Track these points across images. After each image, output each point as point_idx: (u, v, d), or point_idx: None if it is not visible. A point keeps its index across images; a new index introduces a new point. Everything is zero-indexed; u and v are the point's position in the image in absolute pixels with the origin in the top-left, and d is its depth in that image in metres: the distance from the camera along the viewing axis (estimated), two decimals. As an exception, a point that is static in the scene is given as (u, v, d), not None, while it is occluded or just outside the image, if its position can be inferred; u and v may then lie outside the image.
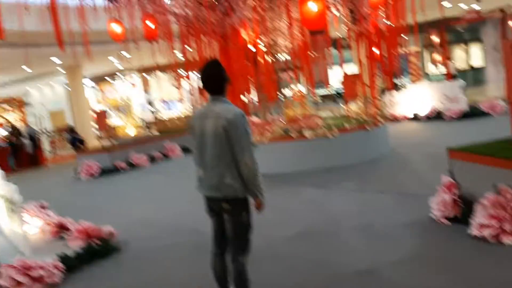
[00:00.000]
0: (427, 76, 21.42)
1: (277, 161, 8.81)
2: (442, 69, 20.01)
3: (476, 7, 17.01)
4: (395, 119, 13.56)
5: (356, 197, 6.40)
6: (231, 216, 3.24)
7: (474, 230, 4.25)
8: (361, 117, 9.20)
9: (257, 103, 10.55)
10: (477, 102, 13.20)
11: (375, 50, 9.21)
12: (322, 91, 22.14)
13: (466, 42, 23.91)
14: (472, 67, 23.88)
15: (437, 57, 17.72)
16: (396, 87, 13.81)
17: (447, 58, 20.85)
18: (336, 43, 10.49)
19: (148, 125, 15.47)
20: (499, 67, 25.52)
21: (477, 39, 24.52)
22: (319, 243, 4.85)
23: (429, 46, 20.97)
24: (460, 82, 13.47)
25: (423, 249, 4.32)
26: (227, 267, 3.41)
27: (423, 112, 13.46)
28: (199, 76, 3.25)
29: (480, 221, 4.22)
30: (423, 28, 16.16)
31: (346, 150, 8.62)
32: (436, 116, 13.05)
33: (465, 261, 3.90)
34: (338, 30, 10.38)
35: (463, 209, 4.63)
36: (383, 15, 8.93)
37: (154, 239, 5.79)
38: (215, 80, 3.22)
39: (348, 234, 5.00)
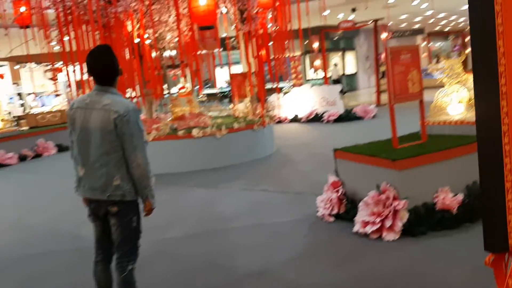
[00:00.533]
0: (307, 80, 22.52)
1: (163, 160, 8.46)
2: (321, 74, 21.17)
3: (351, 17, 18.27)
4: (279, 120, 13.96)
5: (245, 197, 6.38)
6: (119, 221, 2.93)
7: (357, 227, 4.44)
8: (249, 117, 9.26)
9: (141, 100, 10.08)
10: (350, 106, 14.15)
11: (263, 51, 9.36)
12: (208, 90, 22.13)
13: (342, 50, 25.63)
14: (345, 74, 25.67)
15: (317, 62, 18.66)
16: (281, 90, 14.24)
17: (335, 64, 22.12)
18: (224, 43, 10.46)
19: (17, 120, 14.00)
20: (369, 75, 27.83)
21: (352, 48, 26.44)
22: (209, 245, 4.72)
23: (310, 52, 22.05)
24: (339, 86, 14.32)
25: (312, 247, 4.41)
26: (112, 277, 3.12)
27: (303, 114, 14.05)
28: (87, 62, 2.87)
29: (363, 218, 4.42)
30: (305, 34, 16.90)
31: (234, 150, 8.61)
32: (315, 118, 13.71)
33: (351, 257, 4.05)
34: (227, 29, 10.36)
35: (348, 207, 4.83)
36: (270, 17, 9.12)
37: (26, 246, 5.16)
38: (105, 67, 2.87)
39: (239, 234, 4.94)
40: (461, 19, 27.82)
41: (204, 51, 9.92)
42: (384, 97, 17.45)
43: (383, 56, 16.90)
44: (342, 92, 22.72)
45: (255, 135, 8.87)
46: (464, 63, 5.68)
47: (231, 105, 10.78)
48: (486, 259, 1.37)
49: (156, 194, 3.05)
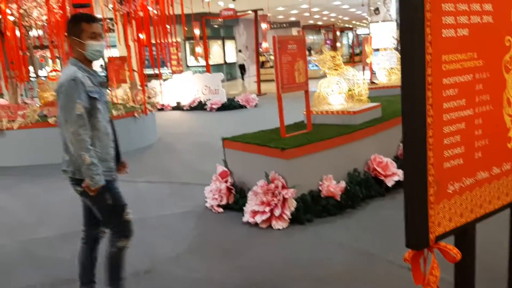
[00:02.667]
0: (188, 67, 22.18)
1: (31, 150, 7.66)
2: (203, 62, 20.97)
3: (231, 6, 18.33)
4: (160, 108, 13.52)
5: (126, 189, 5.90)
6: (90, 200, 2.81)
7: (247, 217, 4.40)
8: (129, 104, 8.76)
9: (3, 83, 8.98)
10: (232, 95, 14.24)
11: (143, 35, 8.90)
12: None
13: (222, 38, 25.69)
14: (226, 62, 25.84)
15: (199, 50, 18.42)
16: (160, 76, 13.74)
17: (239, 50, 21.88)
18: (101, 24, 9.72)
19: None
20: (249, 64, 28.31)
21: (231, 37, 26.64)
22: (89, 243, 4.31)
23: (190, 38, 21.71)
24: (220, 75, 14.27)
25: (200, 239, 4.27)
26: (95, 257, 3.07)
27: (185, 102, 13.79)
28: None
29: (253, 208, 4.39)
30: (186, 20, 16.54)
31: (113, 139, 8.08)
32: (198, 106, 13.53)
33: (241, 248, 3.99)
34: (103, 10, 9.64)
35: (237, 197, 4.77)
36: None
37: None
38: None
39: (122, 230, 4.60)
40: (333, 14, 29.62)
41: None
42: (264, 87, 17.90)
43: (263, 45, 17.25)
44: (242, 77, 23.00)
45: (136, 123, 8.43)
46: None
47: (109, 91, 10.11)
48: (405, 255, 1.35)
49: (21, 188, 2.66)
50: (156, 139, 9.16)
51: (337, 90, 5.68)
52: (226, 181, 4.87)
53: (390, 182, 4.92)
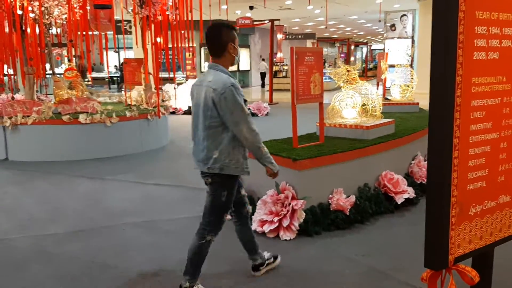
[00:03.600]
0: (201, 73, 22.33)
1: (45, 147, 7.74)
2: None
3: (248, 14, 18.46)
4: (173, 111, 13.60)
5: (136, 190, 6.04)
6: (212, 192, 3.12)
7: (255, 225, 4.40)
8: (143, 106, 8.83)
9: (21, 78, 9.10)
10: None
11: (161, 39, 8.98)
12: (96, 74, 20.81)
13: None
14: (239, 70, 25.96)
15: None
16: (175, 80, 13.82)
17: (263, 59, 21.98)
18: (119, 26, 9.84)
19: None
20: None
21: (246, 45, 26.80)
22: (97, 243, 4.35)
23: (205, 45, 21.87)
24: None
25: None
26: (250, 233, 3.54)
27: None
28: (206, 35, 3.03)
29: (261, 217, 4.40)
30: (204, 26, 16.68)
31: (125, 139, 8.15)
32: (210, 111, 13.58)
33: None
34: (123, 12, 9.76)
35: (246, 205, 4.77)
36: (170, 4, 8.78)
37: None
38: (212, 43, 3.00)
39: (130, 231, 4.63)
40: (348, 28, 29.69)
41: (95, 32, 9.21)
42: (277, 96, 17.96)
43: (278, 55, 17.33)
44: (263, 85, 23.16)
45: (149, 125, 8.49)
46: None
47: (123, 92, 10.20)
48: (423, 275, 1.35)
49: (35, 184, 2.71)
50: (168, 142, 9.22)
51: (351, 104, 5.69)
52: (236, 189, 4.87)
53: (400, 200, 4.91)
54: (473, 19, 1.24)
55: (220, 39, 2.98)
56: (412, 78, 8.38)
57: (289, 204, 4.28)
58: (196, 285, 3.27)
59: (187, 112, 13.95)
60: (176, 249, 4.15)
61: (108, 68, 10.15)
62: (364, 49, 44.74)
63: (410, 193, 5.01)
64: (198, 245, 3.21)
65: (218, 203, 3.14)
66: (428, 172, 1.27)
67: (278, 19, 16.88)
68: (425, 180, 5.43)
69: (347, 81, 5.66)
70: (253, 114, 13.23)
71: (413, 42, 20.66)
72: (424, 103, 6.86)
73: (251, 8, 17.88)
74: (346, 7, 18.23)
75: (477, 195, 1.34)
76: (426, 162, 5.78)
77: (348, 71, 5.60)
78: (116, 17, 10.92)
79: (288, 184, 4.37)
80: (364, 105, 5.66)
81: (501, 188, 1.42)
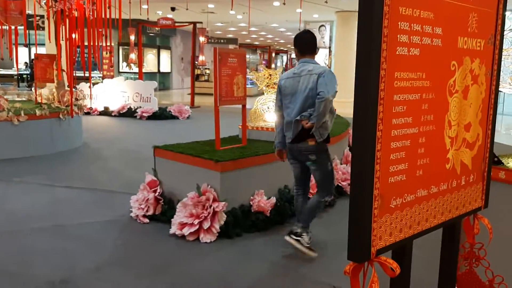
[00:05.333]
0: (119, 73, 21.56)
1: None
2: (135, 69, 20.49)
3: (170, 16, 18.14)
4: (87, 112, 12.96)
5: (45, 194, 5.63)
6: (318, 166, 3.80)
7: (174, 229, 4.27)
8: (54, 104, 8.30)
9: None
10: (163, 105, 13.97)
11: (76, 35, 8.51)
12: (4, 71, 19.33)
13: (158, 47, 25.30)
14: (160, 72, 25.43)
15: (133, 56, 17.96)
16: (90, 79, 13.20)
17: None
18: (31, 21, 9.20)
19: None
20: (183, 76, 28.11)
21: (167, 47, 26.32)
22: (-1, 250, 3.98)
23: (125, 44, 21.17)
24: (153, 83, 13.99)
25: (124, 251, 4.07)
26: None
27: (114, 108, 13.35)
28: (297, 39, 3.84)
29: (181, 220, 4.27)
30: (122, 25, 16.12)
31: (35, 139, 7.60)
32: (128, 112, 13.15)
33: (166, 261, 3.85)
34: (36, 5, 9.12)
35: (165, 207, 4.63)
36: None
37: None
38: (311, 44, 3.87)
39: (37, 237, 4.29)
40: (270, 35, 30.26)
41: (5, 27, 8.52)
42: (198, 100, 17.78)
43: (200, 59, 17.18)
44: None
45: (61, 125, 8.00)
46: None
47: (33, 90, 9.52)
48: (346, 268, 1.34)
49: None
50: (81, 144, 8.74)
51: (273, 108, 5.75)
52: (154, 191, 4.71)
53: (318, 201, 5.01)
54: (397, 15, 1.27)
55: (315, 41, 3.87)
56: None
57: (210, 206, 4.20)
58: (308, 232, 3.92)
59: (103, 113, 13.38)
60: (86, 255, 3.91)
61: (17, 65, 9.42)
62: (285, 57, 45.87)
63: (328, 195, 5.12)
64: (320, 203, 3.92)
65: (327, 173, 3.83)
66: (353, 164, 1.27)
67: (201, 22, 16.75)
68: (342, 182, 5.64)
69: (269, 85, 5.71)
70: (174, 117, 12.99)
71: (330, 52, 21.49)
72: (341, 111, 7.13)
73: (172, 9, 17.57)
74: (267, 14, 18.54)
75: (398, 188, 1.36)
76: (342, 166, 5.98)
77: (270, 75, 5.65)
78: (28, 12, 10.23)
79: (209, 186, 4.29)
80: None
81: (419, 182, 1.46)
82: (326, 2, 13.87)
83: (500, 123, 13.94)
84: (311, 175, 3.96)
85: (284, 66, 42.98)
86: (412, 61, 1.36)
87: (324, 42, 22.24)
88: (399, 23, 1.29)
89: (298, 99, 3.69)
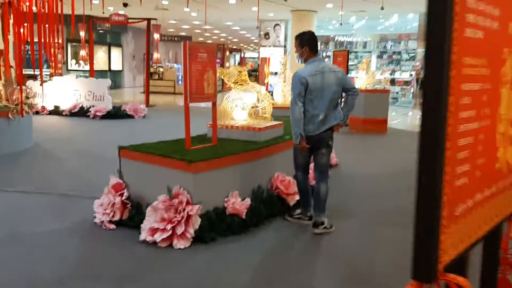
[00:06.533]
0: (68, 70, 20.63)
1: None
2: (85, 67, 19.69)
3: (122, 12, 17.51)
4: (36, 111, 12.25)
5: (-4, 200, 5.17)
6: (330, 150, 4.39)
7: (144, 235, 4.00)
8: (2, 103, 7.72)
9: None
10: (117, 104, 13.43)
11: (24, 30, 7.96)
12: None
13: (108, 44, 24.43)
14: (110, 70, 24.56)
15: (83, 53, 17.19)
16: (39, 77, 12.51)
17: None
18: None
19: None
20: (134, 74, 27.34)
21: (118, 44, 25.47)
22: None
23: (73, 40, 20.27)
24: (107, 81, 13.42)
25: (89, 260, 3.75)
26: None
27: (65, 107, 12.70)
28: (311, 39, 4.29)
29: (152, 225, 4.01)
30: (71, 20, 15.41)
31: (-19, 141, 7.03)
32: (80, 112, 12.54)
33: (139, 271, 3.57)
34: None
35: (133, 212, 4.34)
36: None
37: None
38: (316, 44, 4.33)
39: (-9, 247, 3.89)
40: (223, 34, 29.99)
41: None
42: (153, 99, 17.27)
43: (154, 56, 16.68)
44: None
45: (10, 124, 7.44)
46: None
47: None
48: (407, 288, 1.17)
49: None
50: (32, 144, 8.19)
51: (241, 105, 5.56)
52: (121, 195, 4.41)
53: (292, 201, 4.88)
54: None
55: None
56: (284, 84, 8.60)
57: (184, 210, 3.96)
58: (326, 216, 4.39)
59: (53, 112, 12.69)
60: (48, 266, 3.57)
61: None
62: (237, 56, 45.65)
63: (301, 194, 5.00)
64: (327, 190, 4.34)
65: (330, 153, 4.42)
66: (419, 166, 1.10)
67: (155, 19, 16.27)
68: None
69: (237, 82, 5.52)
70: (129, 116, 12.51)
71: (285, 51, 21.52)
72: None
73: (125, 5, 16.95)
74: (223, 12, 18.29)
75: (462, 192, 1.21)
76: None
77: (239, 72, 5.46)
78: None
79: (182, 188, 4.04)
80: (255, 106, 5.57)
81: (477, 185, 1.31)
82: (285, 0, 13.81)
83: None
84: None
85: (237, 65, 42.74)
86: (477, 45, 1.21)
87: (279, 41, 22.29)
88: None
89: (325, 95, 4.13)
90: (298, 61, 4.41)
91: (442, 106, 1.05)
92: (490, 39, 1.29)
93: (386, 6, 13.96)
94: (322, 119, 4.15)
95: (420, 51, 18.38)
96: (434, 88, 1.04)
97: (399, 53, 19.77)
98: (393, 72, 19.38)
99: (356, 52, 20.65)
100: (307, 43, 4.24)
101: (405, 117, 15.11)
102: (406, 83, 18.91)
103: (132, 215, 4.32)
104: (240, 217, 4.27)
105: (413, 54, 19.13)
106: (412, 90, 18.63)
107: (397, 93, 18.61)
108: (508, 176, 1.54)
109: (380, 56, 20.43)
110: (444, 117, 1.05)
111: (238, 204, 4.29)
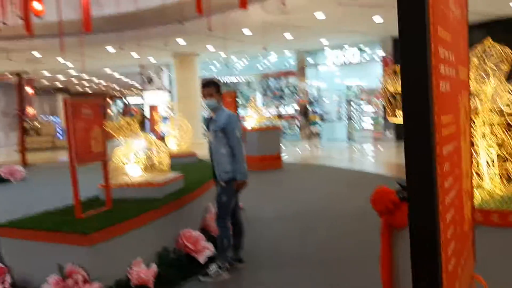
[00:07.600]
0: None
1: None
2: None
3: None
4: None
5: None
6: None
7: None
8: None
9: None
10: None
11: None
12: None
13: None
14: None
15: None
16: None
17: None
18: None
19: None
20: (7, 131, 25.07)
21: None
22: None
23: None
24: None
25: None
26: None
27: None
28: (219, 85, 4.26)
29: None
30: None
31: None
32: None
33: None
34: None
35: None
36: None
37: None
38: None
39: None
40: (103, 82, 28.94)
41: None
42: (31, 157, 15.81)
43: (29, 111, 15.38)
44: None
45: None
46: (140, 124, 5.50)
47: None
48: None
49: None
50: None
51: (134, 159, 5.19)
52: (2, 281, 3.73)
53: (202, 258, 4.54)
54: (437, 37, 0.96)
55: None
56: (185, 129, 8.36)
57: (80, 289, 3.44)
58: None
59: None
60: None
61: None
62: (120, 103, 44.25)
63: (210, 249, 4.69)
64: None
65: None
66: (412, 225, 0.90)
67: (27, 72, 15.10)
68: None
69: (128, 135, 5.16)
70: (5, 180, 11.17)
71: (170, 94, 21.30)
72: (199, 152, 6.83)
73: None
74: (100, 61, 17.63)
75: (453, 248, 1.03)
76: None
77: (128, 124, 5.12)
78: None
79: (76, 265, 3.52)
80: (149, 159, 5.23)
81: (457, 236, 1.15)
82: (165, 45, 13.68)
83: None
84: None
85: (120, 111, 41.41)
86: (448, 99, 1.06)
87: (163, 85, 22.03)
88: (439, 48, 0.97)
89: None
90: (210, 107, 4.18)
91: (430, 171, 0.89)
92: (453, 89, 1.17)
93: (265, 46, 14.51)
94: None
95: (301, 86, 19.41)
96: (419, 155, 0.88)
97: (281, 89, 20.69)
98: (277, 107, 20.14)
99: (241, 92, 21.20)
100: (220, 89, 4.25)
101: (295, 150, 15.59)
102: (292, 117, 19.73)
103: (14, 303, 3.66)
104: (149, 287, 3.83)
105: (294, 90, 20.14)
106: (297, 123, 19.46)
107: (284, 127, 19.30)
108: (469, 235, 1.43)
109: (264, 94, 21.16)
110: (433, 183, 0.89)
111: (144, 272, 3.85)
